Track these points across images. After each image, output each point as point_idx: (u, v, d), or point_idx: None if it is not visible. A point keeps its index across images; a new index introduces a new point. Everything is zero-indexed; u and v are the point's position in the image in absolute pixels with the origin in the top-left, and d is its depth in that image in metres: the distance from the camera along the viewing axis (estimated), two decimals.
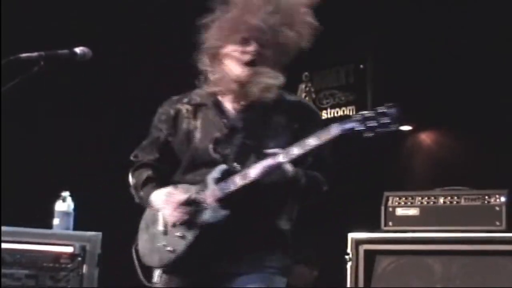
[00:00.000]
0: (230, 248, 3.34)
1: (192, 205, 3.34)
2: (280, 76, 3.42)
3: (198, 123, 3.49)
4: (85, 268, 5.02)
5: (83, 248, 5.03)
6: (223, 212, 3.29)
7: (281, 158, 3.22)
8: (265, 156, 3.24)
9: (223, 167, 3.34)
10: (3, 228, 4.88)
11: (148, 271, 3.51)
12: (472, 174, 5.74)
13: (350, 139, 3.18)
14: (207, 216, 3.31)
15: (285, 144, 3.26)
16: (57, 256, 5.03)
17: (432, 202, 5.19)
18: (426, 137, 6.71)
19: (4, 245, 4.90)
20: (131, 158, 3.73)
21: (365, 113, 3.12)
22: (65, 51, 3.29)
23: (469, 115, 6.05)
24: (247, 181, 3.26)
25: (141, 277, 3.49)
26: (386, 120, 3.09)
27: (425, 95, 6.27)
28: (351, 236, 5.22)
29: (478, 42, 5.97)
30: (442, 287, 5.00)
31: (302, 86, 6.83)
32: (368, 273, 5.16)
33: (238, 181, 3.28)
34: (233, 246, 3.33)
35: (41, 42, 3.48)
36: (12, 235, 4.96)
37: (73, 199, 5.36)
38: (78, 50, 3.32)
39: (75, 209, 5.35)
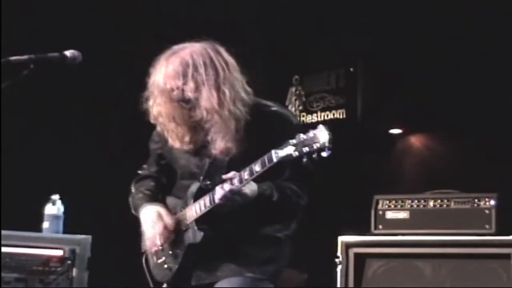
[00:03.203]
0: (213, 262, 3.47)
1: (178, 226, 3.53)
2: None
3: None
4: (74, 272, 5.00)
5: (72, 252, 5.02)
6: (200, 235, 3.44)
7: (236, 182, 3.30)
8: (222, 180, 3.33)
9: (197, 184, 3.51)
10: None
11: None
12: (462, 177, 5.75)
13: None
14: (189, 236, 3.49)
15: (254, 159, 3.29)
16: (47, 260, 5.01)
17: (422, 205, 5.20)
18: (416, 141, 6.71)
19: None
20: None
21: (302, 136, 3.13)
22: (55, 54, 3.28)
23: (460, 119, 6.05)
24: (212, 205, 3.39)
25: (151, 286, 3.66)
26: (317, 145, 3.09)
27: (415, 98, 6.28)
28: (341, 239, 5.23)
29: (467, 46, 5.98)
30: None
31: (293, 89, 6.83)
32: (358, 277, 5.17)
33: (207, 203, 3.41)
34: (215, 261, 3.47)
35: (31, 45, 3.48)
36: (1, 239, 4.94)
37: (63, 202, 5.34)
38: (68, 53, 3.31)
39: (64, 212, 5.33)
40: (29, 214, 5.37)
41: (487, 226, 4.98)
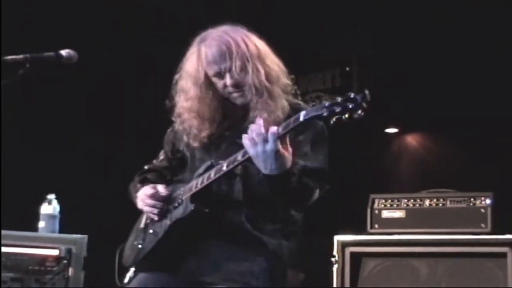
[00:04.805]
0: (202, 253, 3.16)
1: (169, 201, 3.24)
2: None
3: None
4: (70, 271, 5.00)
5: (68, 251, 5.02)
6: (191, 207, 3.11)
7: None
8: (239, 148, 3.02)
9: (208, 163, 3.18)
10: None
11: (125, 271, 3.43)
12: (458, 176, 5.76)
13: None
14: (178, 212, 3.18)
15: None
16: (43, 259, 5.01)
17: (418, 205, 5.21)
18: (412, 140, 6.73)
19: None
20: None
21: (337, 98, 2.82)
22: (51, 53, 3.27)
23: (456, 118, 6.06)
24: (220, 174, 3.07)
25: (116, 277, 3.44)
26: (351, 105, 2.78)
27: (411, 98, 6.29)
28: (337, 238, 5.23)
29: (463, 46, 5.99)
30: None
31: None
32: (354, 276, 5.17)
33: (212, 175, 3.10)
34: (205, 251, 3.16)
35: (26, 45, 3.48)
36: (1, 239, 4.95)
37: (59, 202, 5.34)
38: (64, 52, 3.30)
39: (60, 211, 5.33)
40: (25, 213, 5.37)
41: (482, 225, 4.99)
